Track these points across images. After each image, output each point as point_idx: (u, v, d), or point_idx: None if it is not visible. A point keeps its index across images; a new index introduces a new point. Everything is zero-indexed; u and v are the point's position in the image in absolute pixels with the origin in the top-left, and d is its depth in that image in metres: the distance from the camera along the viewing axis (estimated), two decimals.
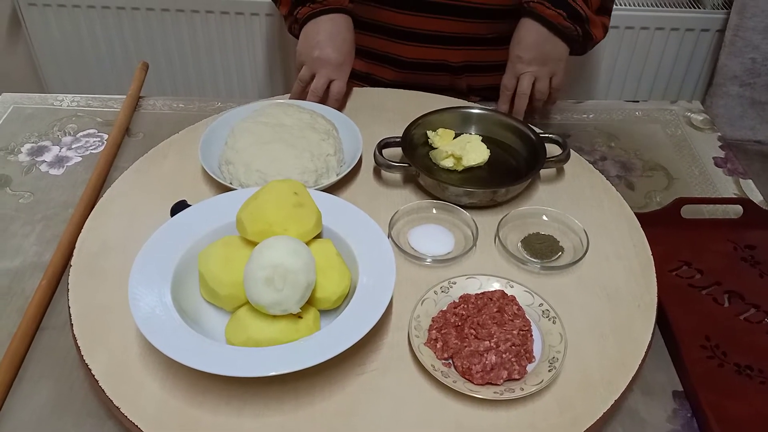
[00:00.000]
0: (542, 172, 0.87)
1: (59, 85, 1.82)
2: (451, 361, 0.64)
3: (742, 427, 0.62)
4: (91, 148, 0.98)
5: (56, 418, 0.62)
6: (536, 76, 0.96)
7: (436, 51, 1.10)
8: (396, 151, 0.87)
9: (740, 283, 0.77)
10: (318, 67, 0.97)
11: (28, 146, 0.98)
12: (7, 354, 0.66)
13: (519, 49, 0.96)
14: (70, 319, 0.67)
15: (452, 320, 0.66)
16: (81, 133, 1.01)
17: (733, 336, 0.71)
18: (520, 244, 0.78)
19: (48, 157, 0.96)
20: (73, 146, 0.98)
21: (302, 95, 0.99)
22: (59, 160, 0.96)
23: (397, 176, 0.88)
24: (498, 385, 0.61)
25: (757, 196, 0.91)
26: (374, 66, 1.15)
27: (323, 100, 0.97)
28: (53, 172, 0.93)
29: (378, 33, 1.10)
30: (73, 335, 0.66)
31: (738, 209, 0.86)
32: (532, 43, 0.96)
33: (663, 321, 0.71)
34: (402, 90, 1.06)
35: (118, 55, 1.75)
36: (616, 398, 0.61)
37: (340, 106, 0.99)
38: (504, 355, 0.62)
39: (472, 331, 0.64)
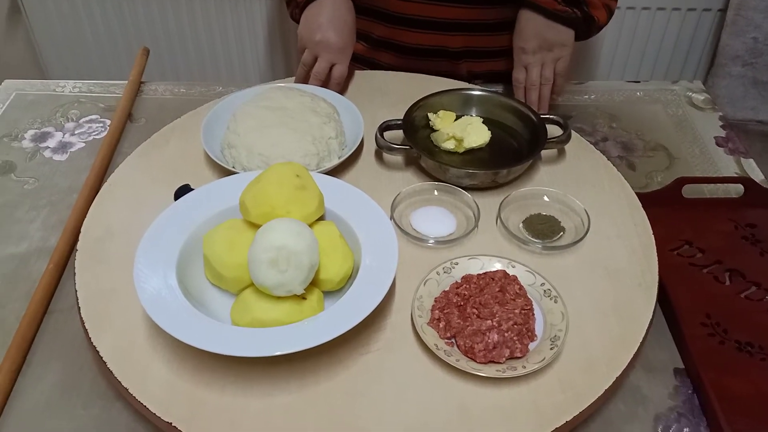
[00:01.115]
0: (543, 153, 0.87)
1: (60, 71, 1.82)
2: (453, 341, 0.65)
3: (742, 403, 0.63)
4: (94, 133, 0.99)
5: (65, 400, 0.64)
6: (543, 63, 0.97)
7: (436, 37, 1.10)
8: (397, 134, 0.87)
9: (741, 261, 0.77)
10: (320, 50, 0.97)
11: (31, 132, 0.99)
12: (16, 337, 0.67)
13: (521, 40, 0.97)
14: (78, 303, 0.68)
15: (455, 300, 0.67)
16: (83, 119, 1.02)
17: (734, 314, 0.71)
18: (521, 224, 0.78)
19: (51, 143, 0.97)
20: (76, 132, 0.99)
21: (306, 79, 0.99)
22: (62, 146, 0.96)
23: (398, 158, 0.88)
24: (500, 363, 0.62)
25: (758, 175, 0.91)
26: (376, 51, 1.15)
27: (325, 83, 0.98)
28: (57, 157, 0.94)
29: (380, 19, 1.10)
30: (81, 318, 0.67)
31: (739, 188, 0.86)
32: (533, 32, 0.96)
33: (664, 299, 0.72)
34: (403, 72, 1.06)
35: (118, 41, 1.75)
36: (617, 375, 0.62)
37: (342, 90, 0.99)
38: (506, 334, 0.62)
39: (475, 310, 0.65)
